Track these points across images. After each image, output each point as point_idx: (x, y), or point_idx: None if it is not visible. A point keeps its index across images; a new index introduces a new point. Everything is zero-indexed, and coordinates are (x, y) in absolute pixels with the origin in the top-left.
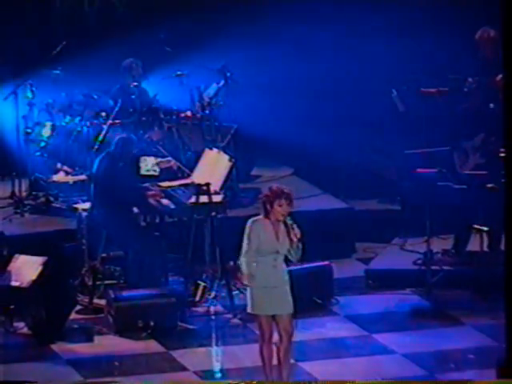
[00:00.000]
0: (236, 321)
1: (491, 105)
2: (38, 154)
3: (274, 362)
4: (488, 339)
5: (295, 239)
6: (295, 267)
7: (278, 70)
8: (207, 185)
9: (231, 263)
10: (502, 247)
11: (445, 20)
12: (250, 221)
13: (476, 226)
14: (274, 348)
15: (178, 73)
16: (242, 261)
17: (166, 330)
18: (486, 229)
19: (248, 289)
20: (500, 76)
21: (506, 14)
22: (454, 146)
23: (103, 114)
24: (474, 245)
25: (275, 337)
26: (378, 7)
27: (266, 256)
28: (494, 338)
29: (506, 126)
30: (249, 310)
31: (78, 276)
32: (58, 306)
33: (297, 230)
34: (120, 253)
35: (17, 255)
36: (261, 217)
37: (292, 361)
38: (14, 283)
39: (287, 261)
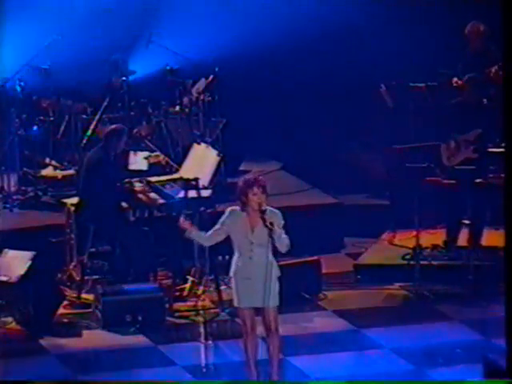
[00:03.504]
0: (224, 315)
1: (484, 100)
2: (27, 148)
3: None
4: (476, 334)
5: (268, 225)
6: (284, 262)
7: (266, 65)
8: (196, 179)
9: (220, 258)
10: (483, 242)
11: (434, 14)
12: (229, 208)
13: (465, 221)
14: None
15: (167, 68)
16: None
17: (154, 324)
18: (467, 222)
19: (232, 282)
20: (494, 68)
21: (507, 11)
22: (443, 140)
23: (91, 109)
24: (463, 240)
25: (259, 330)
26: (368, 2)
27: (243, 248)
28: (483, 333)
29: (506, 125)
30: (234, 302)
31: (66, 271)
32: (46, 300)
33: (269, 215)
34: (108, 248)
35: (5, 250)
36: (239, 208)
37: (280, 356)
38: (2, 278)
39: (276, 254)
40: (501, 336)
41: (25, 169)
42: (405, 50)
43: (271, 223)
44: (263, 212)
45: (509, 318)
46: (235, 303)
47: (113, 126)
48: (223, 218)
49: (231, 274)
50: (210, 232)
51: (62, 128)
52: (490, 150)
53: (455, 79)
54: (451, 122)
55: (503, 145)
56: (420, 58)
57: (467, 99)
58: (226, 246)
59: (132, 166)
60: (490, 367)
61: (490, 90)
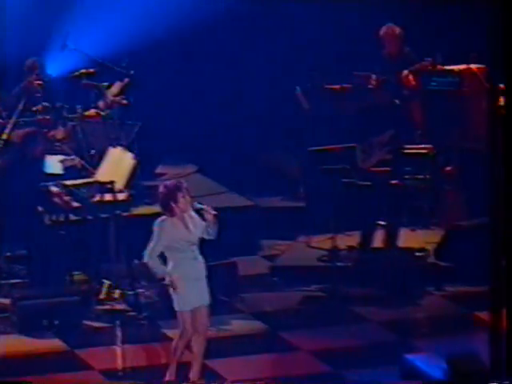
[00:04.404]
0: (141, 319)
1: (397, 101)
2: None
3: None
4: (393, 336)
5: (212, 218)
6: None
7: (181, 68)
8: (111, 183)
9: (136, 261)
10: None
11: (349, 16)
12: (157, 221)
13: (380, 223)
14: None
15: (82, 71)
16: (151, 262)
17: (70, 328)
18: (383, 223)
19: (171, 288)
20: (405, 72)
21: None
22: (359, 142)
23: (7, 112)
24: (379, 241)
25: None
26: (282, 4)
27: (185, 251)
28: (399, 335)
29: (506, 126)
30: (177, 307)
31: None
32: None
33: (210, 209)
34: (24, 251)
35: None
36: (166, 216)
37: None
38: None
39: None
40: (417, 337)
41: None
42: (320, 52)
43: (211, 214)
44: (200, 209)
45: (509, 319)
46: (180, 307)
47: (28, 130)
48: (156, 233)
49: (174, 278)
50: (154, 257)
51: None
52: (405, 151)
53: (373, 78)
54: (366, 123)
55: (424, 146)
56: (335, 61)
57: (381, 101)
58: (142, 250)
59: (47, 170)
60: (406, 368)
61: (403, 91)
